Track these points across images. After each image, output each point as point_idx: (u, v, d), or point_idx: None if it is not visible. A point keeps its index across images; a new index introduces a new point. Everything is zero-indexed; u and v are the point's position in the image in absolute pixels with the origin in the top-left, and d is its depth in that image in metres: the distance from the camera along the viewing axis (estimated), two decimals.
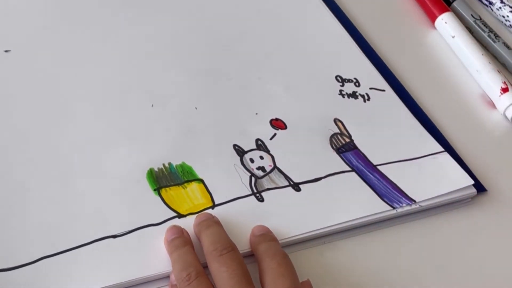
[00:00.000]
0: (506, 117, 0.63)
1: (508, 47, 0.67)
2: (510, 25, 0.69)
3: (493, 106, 0.64)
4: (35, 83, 0.58)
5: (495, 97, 0.63)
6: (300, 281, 0.47)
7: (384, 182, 0.55)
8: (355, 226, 0.53)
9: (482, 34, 0.68)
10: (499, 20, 0.72)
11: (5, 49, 0.60)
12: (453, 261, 0.52)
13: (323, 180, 0.55)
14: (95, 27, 0.64)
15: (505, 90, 0.63)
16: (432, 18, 0.71)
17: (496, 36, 0.68)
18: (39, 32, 0.62)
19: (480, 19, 0.69)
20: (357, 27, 0.69)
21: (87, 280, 0.47)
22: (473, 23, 0.69)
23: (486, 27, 0.68)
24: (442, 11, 0.70)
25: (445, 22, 0.69)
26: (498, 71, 0.64)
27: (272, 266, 0.46)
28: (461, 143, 0.60)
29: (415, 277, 0.51)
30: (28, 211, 0.50)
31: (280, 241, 0.50)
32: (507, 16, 0.70)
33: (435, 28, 0.71)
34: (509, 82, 0.63)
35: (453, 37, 0.68)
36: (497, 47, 0.67)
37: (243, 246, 0.49)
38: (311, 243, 0.52)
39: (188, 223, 0.51)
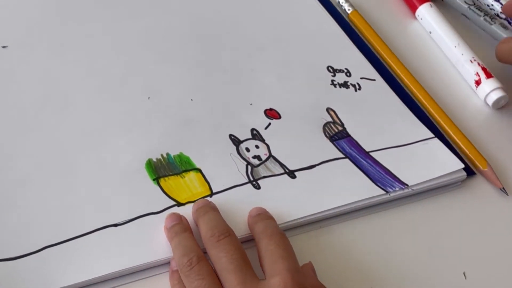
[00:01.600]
0: (487, 103, 0.64)
1: (505, 27, 0.68)
2: (495, 13, 0.71)
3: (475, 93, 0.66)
4: (33, 78, 0.59)
5: (473, 87, 0.65)
6: (301, 264, 0.48)
7: (377, 168, 0.56)
8: (350, 210, 0.54)
9: (477, 18, 0.70)
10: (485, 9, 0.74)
11: (2, 45, 0.61)
12: (444, 242, 0.54)
13: (317, 167, 0.56)
14: (90, 21, 0.65)
15: (478, 82, 0.64)
16: (413, 10, 0.72)
17: (492, 18, 0.69)
18: (35, 27, 0.63)
19: (474, 4, 0.71)
20: (346, 18, 0.71)
21: (90, 267, 0.48)
22: (468, 9, 0.70)
23: (481, 11, 0.70)
24: (421, 2, 0.71)
25: (421, 18, 0.70)
26: (471, 61, 0.65)
27: (271, 247, 0.47)
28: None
29: (408, 259, 0.53)
30: (30, 202, 0.51)
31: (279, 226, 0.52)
32: (492, 5, 0.71)
33: (415, 18, 0.72)
34: (484, 70, 0.65)
35: (430, 32, 0.70)
36: (495, 28, 0.69)
37: (241, 232, 0.50)
38: (308, 227, 0.53)
39: (187, 212, 0.52)
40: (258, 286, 0.45)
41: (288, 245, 0.48)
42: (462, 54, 0.66)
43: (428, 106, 0.63)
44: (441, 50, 0.69)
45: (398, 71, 0.66)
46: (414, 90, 0.64)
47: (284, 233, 0.49)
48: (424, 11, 0.70)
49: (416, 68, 0.67)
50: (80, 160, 0.54)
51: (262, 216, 0.51)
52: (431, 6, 0.70)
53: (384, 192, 0.55)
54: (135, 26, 0.65)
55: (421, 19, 0.71)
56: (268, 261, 0.47)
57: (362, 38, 0.69)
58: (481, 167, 0.59)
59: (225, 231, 0.48)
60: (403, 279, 0.51)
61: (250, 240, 0.51)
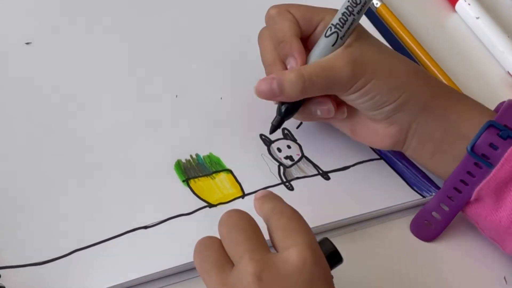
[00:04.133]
0: None
1: None
2: None
3: None
4: (57, 76, 0.58)
5: None
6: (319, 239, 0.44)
7: (413, 170, 0.55)
8: (385, 213, 0.53)
9: None
10: None
11: (26, 42, 0.59)
12: (482, 244, 0.52)
13: (351, 168, 0.54)
14: (116, 19, 0.63)
15: None
16: (453, 1, 0.70)
17: None
18: (59, 24, 0.62)
19: None
20: (376, 13, 0.69)
21: (120, 271, 0.47)
22: None
23: None
24: None
25: (468, 3, 0.69)
26: None
27: (282, 222, 0.42)
28: None
29: (445, 261, 0.51)
30: (58, 205, 0.50)
31: (311, 228, 0.50)
32: None
33: (455, 11, 0.70)
34: None
35: (477, 18, 0.68)
36: None
37: None
38: (342, 230, 0.52)
39: (219, 213, 0.50)
40: (269, 256, 0.40)
41: (301, 219, 0.43)
42: None
43: None
44: (484, 41, 0.67)
45: (432, 67, 0.64)
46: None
47: (295, 209, 0.44)
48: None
49: (453, 65, 0.65)
50: (108, 161, 0.53)
51: (268, 196, 0.46)
52: None
53: (420, 197, 0.53)
54: (160, 22, 0.63)
55: (469, 4, 0.69)
56: (279, 234, 0.42)
57: (392, 33, 0.67)
58: None
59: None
60: (441, 283, 0.50)
61: None
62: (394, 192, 0.53)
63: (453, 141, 0.50)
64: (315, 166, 0.54)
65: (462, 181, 0.50)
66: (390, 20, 0.68)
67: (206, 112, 0.57)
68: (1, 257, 0.46)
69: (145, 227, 0.49)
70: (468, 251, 0.52)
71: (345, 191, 0.53)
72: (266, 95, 0.51)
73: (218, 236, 0.43)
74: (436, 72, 0.64)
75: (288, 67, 0.52)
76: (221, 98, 0.58)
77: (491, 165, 0.49)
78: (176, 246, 0.48)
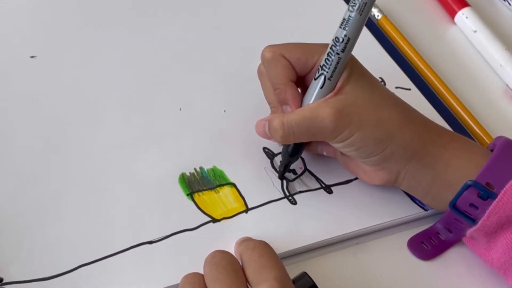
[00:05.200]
0: None
1: None
2: None
3: None
4: (61, 89, 0.58)
5: None
6: (296, 275, 0.46)
7: None
8: (387, 226, 0.53)
9: None
10: None
11: (30, 55, 0.60)
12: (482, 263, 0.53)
13: (354, 182, 0.55)
14: (119, 32, 0.64)
15: None
16: (452, 14, 0.71)
17: None
18: (63, 37, 0.62)
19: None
20: (376, 25, 0.69)
21: (127, 286, 0.47)
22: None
23: None
24: (462, 6, 0.70)
25: (466, 17, 0.69)
26: None
27: (254, 257, 0.45)
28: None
29: (447, 275, 0.51)
30: (63, 220, 0.50)
31: (313, 243, 0.51)
32: None
33: (454, 23, 0.71)
34: None
35: (474, 31, 0.68)
36: None
37: (278, 249, 0.49)
38: (344, 244, 0.52)
39: (223, 228, 0.51)
40: None
41: (273, 254, 0.45)
42: None
43: (466, 118, 0.62)
44: (481, 53, 0.68)
45: (434, 80, 0.64)
46: (450, 99, 0.63)
47: (268, 244, 0.46)
48: (468, 12, 0.69)
49: (452, 76, 0.66)
50: (112, 175, 0.53)
51: (245, 237, 0.50)
52: (473, 10, 0.69)
53: (422, 210, 0.54)
54: (164, 36, 0.64)
55: (466, 17, 0.69)
56: (251, 271, 0.44)
57: (394, 45, 0.68)
58: None
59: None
60: None
61: (285, 257, 0.50)
62: (396, 205, 0.53)
63: (441, 189, 0.51)
64: (317, 179, 0.55)
65: (453, 223, 0.51)
66: (391, 31, 0.69)
67: (210, 125, 0.57)
68: (6, 272, 0.47)
69: (150, 242, 0.50)
70: (468, 270, 0.52)
71: (348, 205, 0.53)
72: (262, 136, 0.53)
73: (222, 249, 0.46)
74: (436, 83, 0.64)
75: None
76: (224, 111, 0.58)
77: (473, 221, 0.49)
78: (180, 262, 0.49)
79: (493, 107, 0.64)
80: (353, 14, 0.48)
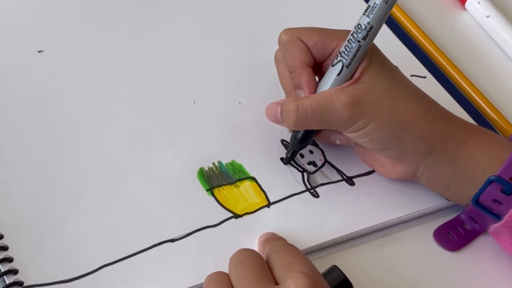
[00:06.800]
0: None
1: None
2: None
3: None
4: (72, 85, 0.56)
5: None
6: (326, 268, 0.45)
7: None
8: (411, 218, 0.52)
9: None
10: None
11: (38, 50, 0.58)
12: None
13: (375, 173, 0.54)
14: (129, 25, 0.62)
15: None
16: (462, 0, 0.70)
17: None
18: (71, 31, 0.60)
19: None
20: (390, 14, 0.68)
21: (151, 286, 0.46)
22: None
23: None
24: None
25: (478, 2, 0.68)
26: None
27: (279, 257, 0.44)
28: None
29: (474, 264, 0.50)
30: (81, 220, 0.49)
31: (339, 237, 0.50)
32: None
33: (465, 9, 0.70)
34: None
35: (487, 16, 0.67)
36: None
37: (303, 244, 0.48)
38: (369, 236, 0.51)
39: (246, 223, 0.50)
40: None
41: (297, 251, 0.44)
42: None
43: (482, 104, 0.61)
44: (497, 39, 0.67)
45: (448, 68, 0.63)
46: (466, 87, 0.62)
47: (293, 245, 0.46)
48: None
49: (466, 63, 0.65)
50: (128, 172, 0.51)
51: (270, 239, 0.48)
52: None
53: (446, 201, 0.53)
54: (174, 27, 0.62)
55: (478, 2, 0.68)
56: (278, 270, 0.43)
57: (406, 33, 0.66)
58: None
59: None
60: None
61: (310, 252, 0.49)
62: (419, 196, 0.52)
63: (462, 185, 0.50)
64: (338, 171, 0.54)
65: (477, 216, 0.50)
66: (402, 19, 0.67)
67: (226, 117, 0.56)
68: (26, 275, 0.45)
69: (172, 240, 0.48)
70: (496, 260, 0.51)
71: (371, 197, 0.52)
72: (272, 120, 0.52)
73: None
74: (451, 71, 0.63)
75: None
76: (239, 103, 0.57)
77: (498, 217, 0.48)
78: (203, 260, 0.47)
79: (510, 93, 0.63)
80: (378, 2, 0.47)
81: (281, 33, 0.52)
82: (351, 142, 0.52)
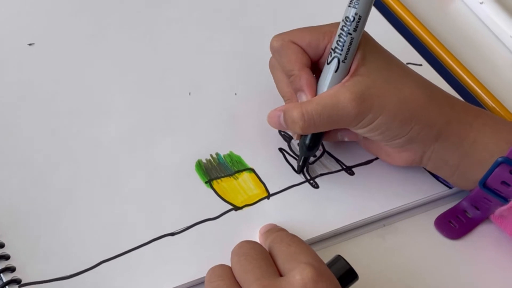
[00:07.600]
0: None
1: None
2: None
3: None
4: (65, 78, 0.55)
5: None
6: (330, 258, 0.44)
7: None
8: (412, 207, 0.52)
9: None
10: None
11: (28, 43, 0.57)
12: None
13: (375, 162, 0.53)
14: (123, 16, 0.61)
15: None
16: None
17: None
18: (61, 24, 0.59)
19: None
20: (383, 3, 0.68)
21: (151, 281, 0.45)
22: None
23: None
24: None
25: None
26: None
27: (282, 248, 0.43)
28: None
29: (476, 254, 0.50)
30: (79, 215, 0.48)
31: (339, 228, 0.49)
32: None
33: None
34: None
35: (481, 3, 0.67)
36: None
37: (305, 235, 0.48)
38: (370, 226, 0.51)
39: (246, 215, 0.49)
40: (276, 281, 0.41)
41: (301, 242, 0.44)
42: None
43: (478, 90, 0.61)
44: (491, 26, 0.66)
45: (443, 55, 0.63)
46: (462, 74, 0.62)
47: (296, 236, 0.45)
48: None
49: (460, 50, 0.64)
50: (125, 166, 0.51)
51: (272, 230, 0.47)
52: None
53: (447, 188, 0.52)
54: (169, 18, 0.61)
55: None
56: (282, 261, 0.42)
57: (400, 21, 0.66)
58: None
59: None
60: (473, 276, 0.49)
61: (313, 243, 0.49)
62: (420, 184, 0.52)
63: (469, 168, 0.49)
64: (338, 161, 0.53)
65: (482, 201, 0.50)
66: (396, 7, 0.67)
67: (222, 109, 0.55)
68: (24, 273, 0.44)
69: (172, 234, 0.47)
70: (497, 247, 0.51)
71: (371, 186, 0.52)
72: (276, 127, 0.51)
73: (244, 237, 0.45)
74: (447, 58, 0.63)
75: (299, 101, 0.49)
76: (235, 94, 0.56)
77: (505, 200, 0.48)
78: (204, 254, 0.47)
79: (505, 79, 0.63)
80: None
81: (272, 40, 0.51)
82: (360, 137, 0.52)
